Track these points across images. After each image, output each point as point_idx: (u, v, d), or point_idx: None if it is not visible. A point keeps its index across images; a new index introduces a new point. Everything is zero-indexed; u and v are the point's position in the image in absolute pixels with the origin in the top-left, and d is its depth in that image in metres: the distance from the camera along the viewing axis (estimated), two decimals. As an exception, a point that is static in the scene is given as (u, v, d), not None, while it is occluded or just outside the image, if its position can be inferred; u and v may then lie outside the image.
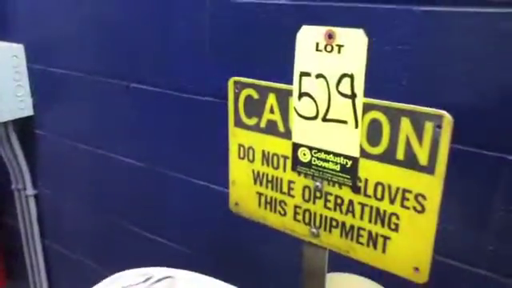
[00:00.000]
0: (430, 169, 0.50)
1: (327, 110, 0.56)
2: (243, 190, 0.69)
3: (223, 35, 1.09)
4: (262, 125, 0.63)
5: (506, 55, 0.75)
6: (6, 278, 2.11)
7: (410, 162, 0.51)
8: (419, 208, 0.52)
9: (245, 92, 0.64)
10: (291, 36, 0.95)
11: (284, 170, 0.63)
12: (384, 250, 0.56)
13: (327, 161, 0.58)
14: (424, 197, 0.51)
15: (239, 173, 0.68)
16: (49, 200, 1.80)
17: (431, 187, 0.50)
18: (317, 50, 0.54)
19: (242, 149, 0.67)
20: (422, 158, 0.50)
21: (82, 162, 1.59)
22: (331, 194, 0.59)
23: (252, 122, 0.64)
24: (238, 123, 0.66)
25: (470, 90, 0.80)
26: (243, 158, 0.67)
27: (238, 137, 0.67)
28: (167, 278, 0.53)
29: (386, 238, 0.56)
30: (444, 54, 0.81)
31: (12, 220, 1.97)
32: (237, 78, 0.64)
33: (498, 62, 0.76)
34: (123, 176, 1.47)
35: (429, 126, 0.49)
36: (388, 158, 0.53)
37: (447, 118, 0.47)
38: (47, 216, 1.85)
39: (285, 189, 0.64)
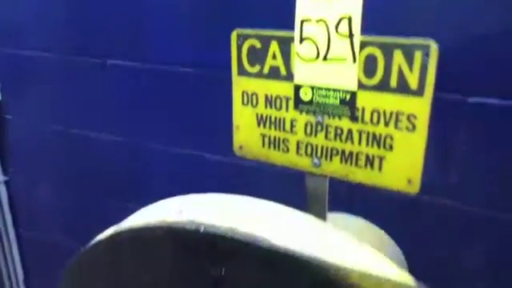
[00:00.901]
0: (419, 92, 0.59)
1: (327, 51, 0.64)
2: (247, 133, 0.76)
3: (202, 4, 1.15)
4: (265, 71, 0.71)
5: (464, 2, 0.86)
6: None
7: (402, 88, 0.60)
8: (411, 127, 0.61)
9: (248, 42, 0.71)
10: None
11: (286, 110, 0.71)
12: (380, 169, 0.66)
13: (327, 97, 0.66)
14: (415, 116, 0.61)
15: (243, 118, 0.75)
16: (21, 186, 1.79)
17: (421, 107, 0.60)
18: (316, -3, 0.62)
19: (245, 95, 0.74)
20: (413, 83, 0.59)
21: (56, 144, 1.60)
22: (331, 126, 0.68)
23: (255, 69, 0.71)
24: (242, 72, 0.73)
25: (433, 38, 0.91)
26: (247, 104, 0.74)
27: (241, 85, 0.74)
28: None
29: (381, 158, 0.65)
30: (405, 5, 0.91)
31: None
32: (239, 30, 0.71)
33: (458, 10, 0.87)
34: (101, 153, 1.50)
35: (418, 55, 0.58)
36: (383, 86, 0.62)
37: (433, 47, 0.57)
38: (20, 203, 1.83)
39: (287, 127, 0.72)
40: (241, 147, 0.78)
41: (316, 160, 0.71)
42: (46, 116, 1.58)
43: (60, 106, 1.54)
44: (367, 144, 0.66)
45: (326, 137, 0.69)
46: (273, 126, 0.73)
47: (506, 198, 0.95)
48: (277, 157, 0.74)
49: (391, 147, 0.64)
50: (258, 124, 0.74)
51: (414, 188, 0.64)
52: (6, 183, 1.81)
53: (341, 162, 0.69)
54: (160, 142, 1.37)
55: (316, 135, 0.69)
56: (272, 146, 0.74)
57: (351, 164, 0.68)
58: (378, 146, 0.65)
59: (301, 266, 0.47)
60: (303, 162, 0.72)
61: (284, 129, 0.72)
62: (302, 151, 0.72)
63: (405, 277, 0.48)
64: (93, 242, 0.63)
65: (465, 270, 1.05)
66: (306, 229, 0.53)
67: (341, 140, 0.68)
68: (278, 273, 0.49)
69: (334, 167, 0.70)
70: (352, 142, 0.67)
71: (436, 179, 1.01)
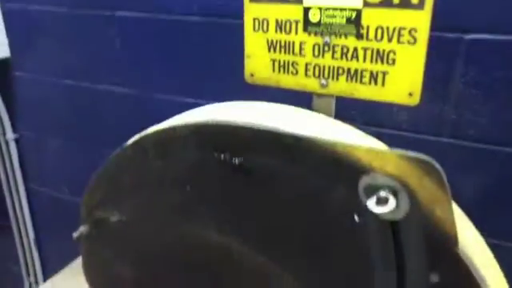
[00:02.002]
0: (420, 5, 0.64)
1: (335, -29, 0.68)
2: (258, 60, 0.81)
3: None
4: (276, -4, 0.75)
5: None
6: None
7: (404, 3, 0.65)
8: (412, 41, 0.66)
9: (259, -31, 0.75)
10: None
11: (296, 33, 0.75)
12: (383, 84, 0.71)
13: (334, 16, 0.71)
14: (416, 30, 0.65)
15: (254, 45, 0.80)
16: (31, 143, 1.84)
17: (421, 21, 0.65)
18: None
19: (256, 22, 0.79)
20: (414, -3, 0.64)
21: (66, 99, 1.64)
22: (338, 46, 0.73)
23: (266, -6, 0.76)
24: (253, -2, 0.77)
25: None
26: (258, 30, 0.79)
27: (252, 11, 0.78)
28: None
29: (384, 74, 0.70)
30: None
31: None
32: (251, -43, 0.76)
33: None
34: (111, 106, 1.55)
35: (419, -31, 0.63)
36: (386, 3, 0.66)
37: (433, -40, 0.62)
38: (30, 159, 1.88)
39: (296, 50, 0.76)
40: (252, 74, 0.83)
41: (323, 81, 0.76)
42: (56, 71, 1.62)
43: (69, 61, 1.58)
44: (371, 61, 0.71)
45: (333, 57, 0.74)
46: (283, 50, 0.78)
47: (501, 131, 1.01)
48: (286, 80, 0.79)
49: (394, 62, 0.69)
50: (269, 49, 0.79)
51: (414, 100, 0.69)
52: (16, 141, 1.86)
53: (346, 80, 0.74)
54: (169, 92, 1.41)
55: (323, 56, 0.74)
56: (282, 69, 0.79)
57: (356, 81, 0.73)
58: (382, 61, 0.70)
59: (310, 147, 0.52)
60: (311, 84, 0.77)
61: (293, 52, 0.77)
62: (310, 73, 0.77)
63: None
64: (119, 148, 0.68)
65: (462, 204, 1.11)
66: (317, 121, 0.58)
67: (347, 59, 0.73)
68: (292, 156, 0.54)
69: (340, 86, 0.75)
70: (357, 60, 0.72)
71: (433, 116, 1.06)
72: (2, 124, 1.82)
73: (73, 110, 1.66)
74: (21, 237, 2.00)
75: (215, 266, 0.65)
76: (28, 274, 2.05)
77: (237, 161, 0.58)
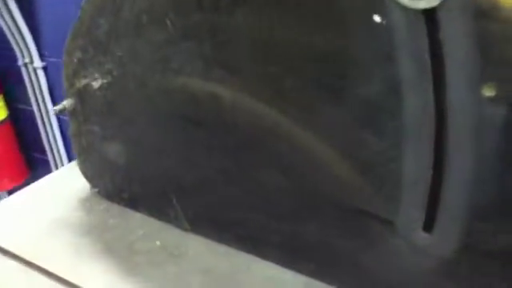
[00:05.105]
0: None
1: None
2: None
3: None
4: None
5: None
6: (29, 168, 2.12)
7: None
8: None
9: None
10: None
11: None
12: None
13: None
14: None
15: None
16: (58, 70, 1.78)
17: None
18: None
19: None
20: None
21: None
22: None
23: None
24: None
25: None
26: None
27: None
28: None
29: None
30: None
31: (24, 104, 1.97)
32: None
33: None
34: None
35: None
36: None
37: None
38: (58, 87, 1.83)
39: None
40: None
41: None
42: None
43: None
44: None
45: None
46: None
47: None
48: None
49: None
50: None
51: None
52: (44, 69, 1.81)
53: None
54: None
55: None
56: None
57: None
58: None
59: None
60: None
61: None
62: None
63: None
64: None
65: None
66: None
67: None
68: None
69: None
70: None
71: None
72: (29, 51, 1.76)
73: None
74: (57, 168, 1.99)
75: (207, 121, 0.53)
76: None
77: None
